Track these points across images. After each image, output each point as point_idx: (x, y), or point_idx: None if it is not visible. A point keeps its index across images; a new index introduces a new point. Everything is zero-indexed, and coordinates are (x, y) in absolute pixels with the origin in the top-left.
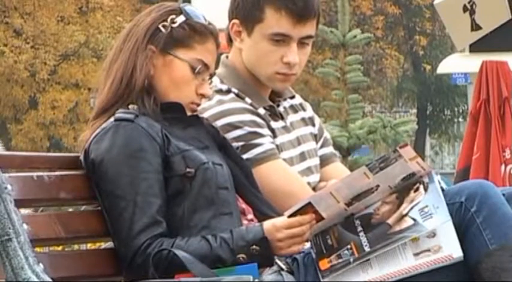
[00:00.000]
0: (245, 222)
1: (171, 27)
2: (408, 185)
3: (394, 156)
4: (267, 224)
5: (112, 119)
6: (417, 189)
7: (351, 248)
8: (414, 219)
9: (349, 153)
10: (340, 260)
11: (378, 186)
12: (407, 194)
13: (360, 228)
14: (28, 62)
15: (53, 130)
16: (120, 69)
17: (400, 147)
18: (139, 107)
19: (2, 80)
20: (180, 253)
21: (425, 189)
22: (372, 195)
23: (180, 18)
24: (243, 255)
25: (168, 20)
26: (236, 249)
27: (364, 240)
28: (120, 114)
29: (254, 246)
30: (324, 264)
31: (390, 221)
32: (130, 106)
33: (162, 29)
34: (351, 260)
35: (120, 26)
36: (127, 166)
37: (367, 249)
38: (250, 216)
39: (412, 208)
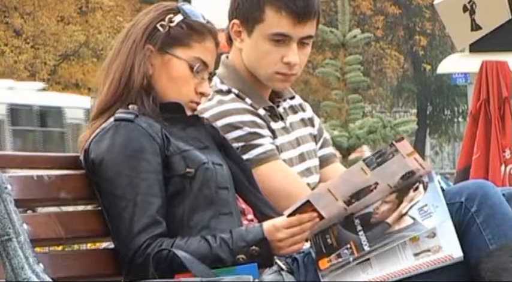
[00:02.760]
0: (245, 222)
1: (169, 27)
2: (408, 184)
3: (390, 151)
4: (267, 225)
5: (112, 119)
6: (417, 188)
7: (351, 248)
8: (413, 218)
9: (349, 153)
10: (339, 260)
11: (376, 183)
12: (406, 193)
13: (359, 227)
14: (28, 62)
15: None
16: (118, 69)
17: (396, 141)
18: (139, 107)
19: None
20: (180, 253)
21: (425, 189)
22: (371, 193)
23: (178, 17)
24: (243, 256)
25: (166, 19)
26: (236, 250)
27: (363, 239)
28: (120, 114)
29: (254, 247)
30: (323, 263)
31: (389, 220)
32: (130, 106)
33: (160, 29)
34: (351, 259)
35: (120, 26)
36: (127, 166)
37: (366, 248)
38: (250, 216)
39: (411, 207)
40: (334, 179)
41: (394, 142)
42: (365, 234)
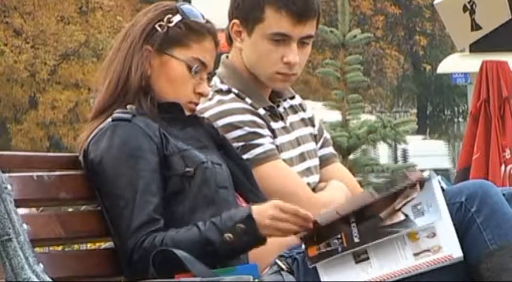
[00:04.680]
0: None
1: (168, 27)
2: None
3: (404, 182)
4: (264, 204)
5: (110, 119)
6: (413, 186)
7: (341, 238)
8: (406, 215)
9: (349, 153)
10: (328, 248)
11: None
12: (403, 190)
13: (352, 219)
14: (28, 62)
15: (53, 130)
16: (117, 69)
17: (410, 173)
18: (137, 107)
19: (2, 80)
20: (180, 253)
21: (421, 187)
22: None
23: (177, 18)
24: (229, 234)
25: (165, 19)
26: (224, 230)
27: (354, 231)
28: (117, 114)
29: (240, 225)
30: (312, 251)
31: (382, 214)
32: (128, 106)
33: (159, 29)
34: (339, 249)
35: (120, 26)
36: (125, 166)
37: (356, 240)
38: None
39: (405, 204)
40: (343, 204)
41: (406, 173)
42: (357, 226)
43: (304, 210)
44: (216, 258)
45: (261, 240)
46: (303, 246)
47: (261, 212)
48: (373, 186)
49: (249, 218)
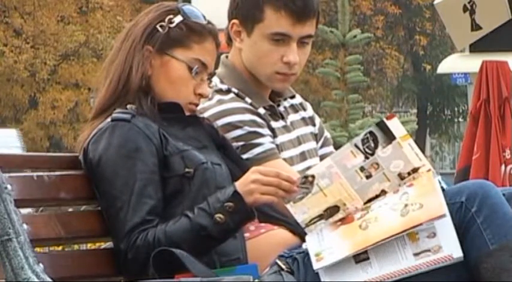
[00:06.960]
0: None
1: (169, 27)
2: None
3: (384, 136)
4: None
5: (109, 119)
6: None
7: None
8: None
9: None
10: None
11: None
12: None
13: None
14: (28, 62)
15: (53, 130)
16: (117, 69)
17: (387, 118)
18: (137, 107)
19: (2, 80)
20: (180, 252)
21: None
22: (369, 180)
23: (178, 18)
24: (220, 215)
25: (166, 20)
26: (213, 212)
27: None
28: (117, 114)
29: (228, 203)
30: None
31: None
32: (128, 106)
33: (160, 29)
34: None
35: (120, 26)
36: (123, 166)
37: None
38: None
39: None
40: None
41: (384, 120)
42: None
43: (286, 173)
44: (212, 242)
45: (251, 214)
46: (304, 245)
47: (243, 181)
48: (353, 138)
49: (236, 194)
